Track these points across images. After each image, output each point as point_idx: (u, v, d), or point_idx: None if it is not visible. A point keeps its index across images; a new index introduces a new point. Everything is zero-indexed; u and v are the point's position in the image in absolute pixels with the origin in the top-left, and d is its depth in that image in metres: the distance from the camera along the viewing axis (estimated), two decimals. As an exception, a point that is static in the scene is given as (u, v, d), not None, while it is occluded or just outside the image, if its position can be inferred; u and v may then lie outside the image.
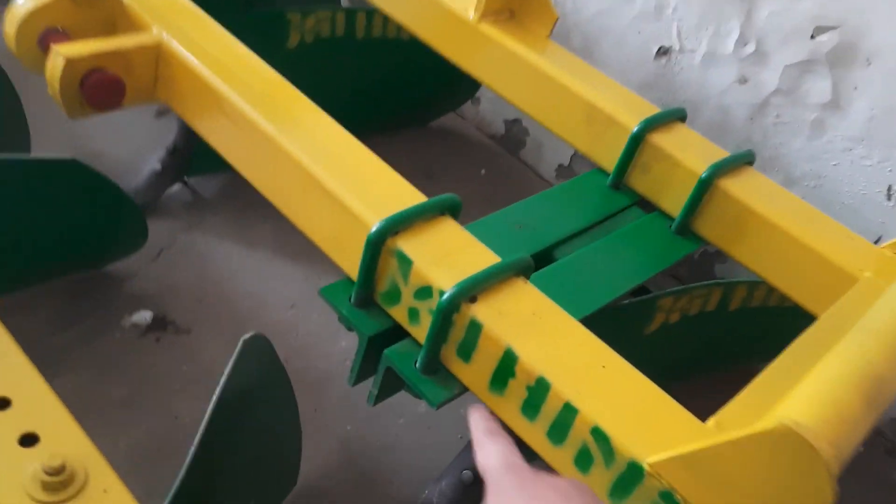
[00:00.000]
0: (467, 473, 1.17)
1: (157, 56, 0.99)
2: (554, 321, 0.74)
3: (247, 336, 0.83)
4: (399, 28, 1.39)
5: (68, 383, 1.22)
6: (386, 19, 1.48)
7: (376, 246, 0.77)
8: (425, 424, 1.31)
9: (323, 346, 1.38)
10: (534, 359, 0.70)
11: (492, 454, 0.49)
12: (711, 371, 1.35)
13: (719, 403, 0.71)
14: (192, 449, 0.79)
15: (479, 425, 0.55)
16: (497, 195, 1.71)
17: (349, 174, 0.84)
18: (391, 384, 0.81)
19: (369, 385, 0.83)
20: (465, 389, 0.77)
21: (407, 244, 0.77)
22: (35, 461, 0.62)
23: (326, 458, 1.24)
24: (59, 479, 0.61)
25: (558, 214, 1.06)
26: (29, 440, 0.66)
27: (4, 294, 1.24)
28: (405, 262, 0.76)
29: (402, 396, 1.37)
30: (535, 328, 0.73)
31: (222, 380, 0.81)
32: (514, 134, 1.90)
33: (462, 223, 0.83)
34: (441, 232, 0.80)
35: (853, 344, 0.71)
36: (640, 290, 1.04)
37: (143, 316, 1.35)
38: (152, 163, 1.45)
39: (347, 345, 1.39)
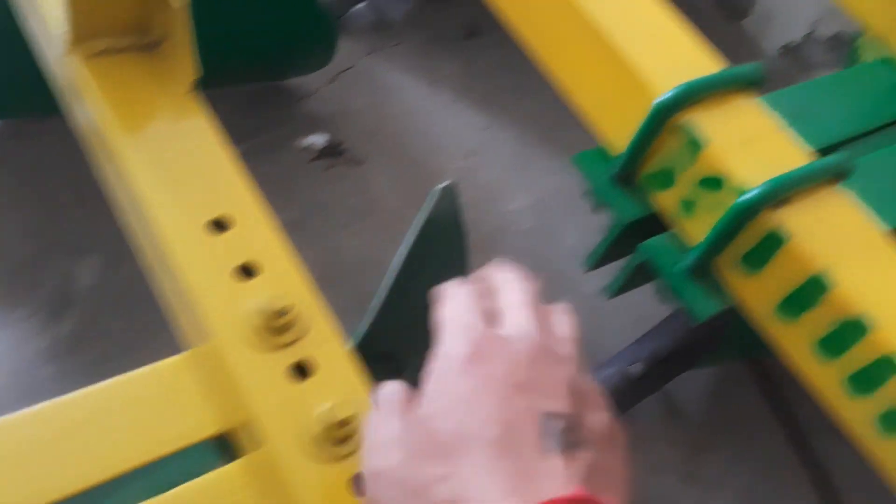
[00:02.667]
0: (637, 366, 1.08)
1: None
2: (881, 248, 0.60)
3: (444, 184, 0.81)
4: None
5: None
6: None
7: (663, 117, 0.63)
8: (590, 305, 1.22)
9: (497, 202, 1.29)
10: (854, 294, 0.56)
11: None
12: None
13: None
14: (389, 282, 0.74)
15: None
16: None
17: (635, 26, 0.67)
18: (636, 280, 0.70)
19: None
20: (735, 303, 0.65)
21: (701, 120, 0.62)
22: (252, 298, 0.55)
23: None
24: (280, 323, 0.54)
25: (838, 109, 0.87)
26: (248, 271, 0.58)
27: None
28: (695, 143, 0.62)
29: (567, 274, 1.28)
30: (858, 253, 0.58)
31: (418, 224, 0.78)
32: None
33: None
34: (741, 111, 0.64)
35: None
36: None
37: (318, 138, 1.28)
38: (341, -27, 1.35)
39: (522, 205, 1.29)
